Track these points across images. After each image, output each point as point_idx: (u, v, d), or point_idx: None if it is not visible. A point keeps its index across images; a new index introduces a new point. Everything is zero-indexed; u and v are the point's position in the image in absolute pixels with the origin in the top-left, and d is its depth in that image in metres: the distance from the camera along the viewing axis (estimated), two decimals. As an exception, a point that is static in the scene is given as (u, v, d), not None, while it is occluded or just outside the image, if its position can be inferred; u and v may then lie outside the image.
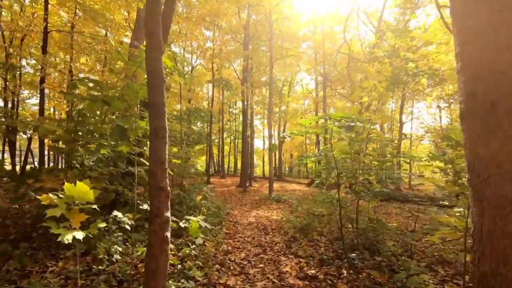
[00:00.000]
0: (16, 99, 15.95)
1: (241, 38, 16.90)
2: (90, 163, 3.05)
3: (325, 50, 15.83)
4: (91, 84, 2.96)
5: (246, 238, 4.85)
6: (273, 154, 15.09)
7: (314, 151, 24.63)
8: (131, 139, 2.51)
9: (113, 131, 2.82)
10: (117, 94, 3.17)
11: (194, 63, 22.91)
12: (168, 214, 1.83)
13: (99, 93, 3.29)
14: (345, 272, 3.37)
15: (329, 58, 16.76)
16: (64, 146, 3.11)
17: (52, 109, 20.42)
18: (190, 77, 20.79)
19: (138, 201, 2.20)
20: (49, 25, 13.22)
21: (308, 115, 23.96)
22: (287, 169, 34.05)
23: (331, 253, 4.02)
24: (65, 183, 1.43)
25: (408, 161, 4.49)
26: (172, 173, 3.20)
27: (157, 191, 1.79)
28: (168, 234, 1.81)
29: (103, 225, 1.71)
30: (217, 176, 23.53)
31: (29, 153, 16.49)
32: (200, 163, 27.98)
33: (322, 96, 18.21)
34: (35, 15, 13.91)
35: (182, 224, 2.43)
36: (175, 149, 6.62)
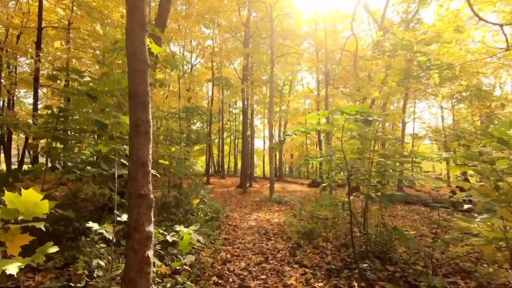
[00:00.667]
0: (12, 97, 15.66)
1: (241, 36, 16.60)
2: (69, 164, 2.73)
3: (327, 48, 15.51)
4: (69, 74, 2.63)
5: (246, 244, 4.52)
6: (274, 154, 14.75)
7: (315, 151, 24.32)
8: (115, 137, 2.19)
9: (99, 128, 2.50)
10: (106, 88, 2.84)
11: (193, 62, 22.62)
12: (151, 228, 1.50)
13: (86, 87, 2.97)
14: (356, 284, 3.04)
15: (331, 56, 16.43)
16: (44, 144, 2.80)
17: (49, 108, 20.09)
18: (190, 76, 20.50)
19: (117, 212, 1.87)
20: (45, 22, 12.91)
21: (309, 114, 23.59)
22: (287, 169, 33.74)
23: (339, 262, 3.69)
24: (6, 192, 1.10)
25: (418, 161, 4.16)
26: (159, 176, 2.85)
27: (137, 200, 1.45)
28: (150, 252, 1.48)
29: (53, 249, 1.37)
30: (217, 177, 23.23)
31: (28, 153, 16.16)
32: (200, 163, 27.73)
33: (323, 95, 17.89)
34: (31, 12, 13.64)
35: (170, 238, 2.09)
36: (173, 149, 6.30)
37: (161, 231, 2.09)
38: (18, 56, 14.65)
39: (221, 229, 5.42)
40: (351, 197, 6.34)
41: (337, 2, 29.91)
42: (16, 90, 16.47)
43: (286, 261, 3.76)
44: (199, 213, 5.01)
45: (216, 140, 27.20)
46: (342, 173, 3.59)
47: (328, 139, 14.91)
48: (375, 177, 3.36)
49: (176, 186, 5.50)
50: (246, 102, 16.29)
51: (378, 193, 4.01)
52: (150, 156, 1.56)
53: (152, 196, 1.54)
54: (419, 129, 23.03)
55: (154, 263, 1.87)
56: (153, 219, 1.53)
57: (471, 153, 2.06)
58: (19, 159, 15.22)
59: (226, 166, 30.16)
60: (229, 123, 29.33)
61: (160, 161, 2.77)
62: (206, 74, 21.94)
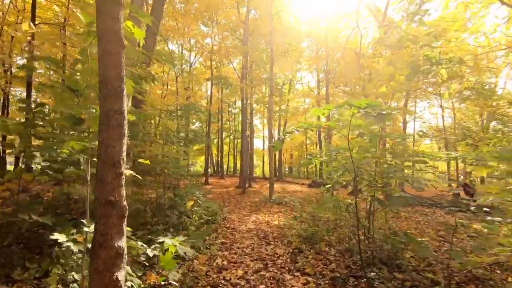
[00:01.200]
0: (7, 96, 15.40)
1: (240, 35, 16.34)
2: (43, 164, 2.45)
3: (328, 45, 15.23)
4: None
5: (244, 249, 4.25)
6: (273, 154, 14.48)
7: (316, 151, 24.10)
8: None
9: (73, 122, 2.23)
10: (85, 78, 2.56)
11: (192, 61, 22.38)
12: (122, 242, 1.23)
13: (69, 80, 2.70)
14: (363, 295, 2.79)
15: (332, 53, 16.17)
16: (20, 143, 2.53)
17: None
18: (189, 74, 20.23)
19: (83, 221, 1.60)
20: (40, 20, 12.65)
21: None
22: (286, 169, 33.53)
23: (343, 270, 3.43)
24: None
25: (426, 160, 3.89)
26: (140, 177, 2.53)
27: (105, 207, 1.19)
28: (121, 274, 1.20)
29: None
30: (216, 177, 22.99)
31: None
32: (200, 163, 27.50)
33: (324, 94, 17.62)
34: (26, 9, 13.41)
35: (150, 252, 1.80)
36: (171, 148, 6.03)
37: (141, 244, 1.80)
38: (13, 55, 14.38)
39: (218, 232, 5.15)
40: (351, 196, 6.07)
41: (337, 1, 29.57)
42: (12, 89, 16.20)
43: (286, 268, 3.50)
44: (194, 215, 4.75)
45: (215, 140, 26.98)
46: (347, 174, 3.32)
47: (328, 137, 14.67)
48: (383, 178, 3.11)
49: (170, 187, 5.24)
50: (245, 101, 16.03)
51: (384, 195, 3.76)
52: (124, 154, 1.29)
53: (125, 203, 1.27)
54: (420, 129, 22.81)
55: (132, 281, 1.60)
56: (126, 231, 1.26)
57: (505, 152, 1.80)
58: (15, 159, 14.94)
59: (225, 166, 29.93)
60: (228, 122, 29.10)
61: (140, 160, 2.49)
62: (205, 73, 21.68)
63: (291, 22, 16.50)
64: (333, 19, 15.99)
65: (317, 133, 20.61)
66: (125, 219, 1.27)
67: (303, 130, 2.87)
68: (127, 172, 1.80)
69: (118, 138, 1.29)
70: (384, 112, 1.88)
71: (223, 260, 3.70)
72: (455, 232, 2.63)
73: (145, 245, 1.79)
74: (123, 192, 1.27)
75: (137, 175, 2.11)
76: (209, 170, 22.21)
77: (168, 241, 1.80)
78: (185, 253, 1.71)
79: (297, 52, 16.38)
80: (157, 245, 1.84)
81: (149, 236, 3.95)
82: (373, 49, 13.39)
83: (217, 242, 4.51)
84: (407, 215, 8.14)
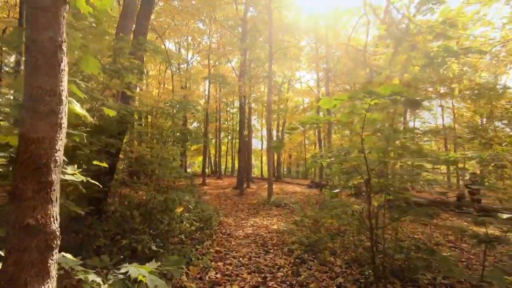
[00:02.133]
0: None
1: (239, 33, 15.96)
2: None
3: (328, 43, 14.86)
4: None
5: (240, 259, 3.85)
6: (272, 154, 14.07)
7: (315, 151, 23.79)
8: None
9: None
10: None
11: (189, 59, 21.98)
12: (44, 290, 0.82)
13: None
14: (378, 318, 2.40)
15: (333, 51, 15.80)
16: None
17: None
18: (186, 72, 19.81)
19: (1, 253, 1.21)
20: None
21: (308, 113, 22.99)
22: (285, 169, 33.19)
23: (352, 285, 3.04)
24: None
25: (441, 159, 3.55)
26: (81, 187, 2.04)
27: (19, 235, 0.78)
28: None
29: None
30: (213, 177, 22.61)
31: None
32: (198, 163, 27.07)
33: (324, 92, 17.26)
34: (17, 5, 12.98)
35: None
36: (165, 149, 5.63)
37: (92, 279, 1.35)
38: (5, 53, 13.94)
39: (213, 239, 4.75)
40: (358, 202, 5.69)
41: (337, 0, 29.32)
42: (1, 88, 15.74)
43: (288, 283, 3.10)
44: (185, 222, 4.35)
45: (213, 140, 26.62)
46: (356, 177, 2.94)
47: (328, 136, 14.30)
48: (400, 181, 2.73)
49: (161, 190, 4.83)
50: (243, 101, 15.64)
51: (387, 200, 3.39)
52: (59, 154, 0.88)
53: (55, 227, 0.85)
54: (420, 128, 22.49)
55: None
56: (55, 269, 0.85)
57: None
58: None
59: (223, 167, 29.55)
60: (226, 122, 28.72)
61: (94, 162, 2.06)
62: (203, 72, 21.29)
63: (290, 20, 16.13)
64: (333, 16, 15.64)
65: (317, 132, 20.26)
66: (54, 252, 0.84)
67: (304, 130, 2.50)
68: (81, 177, 1.39)
69: (49, 131, 0.87)
70: (418, 98, 1.50)
71: (216, 273, 3.31)
72: (487, 247, 2.24)
73: (98, 280, 1.37)
74: (54, 210, 0.84)
75: (94, 181, 1.70)
76: (207, 170, 21.81)
77: (134, 270, 1.37)
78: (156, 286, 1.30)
79: (296, 49, 16.01)
80: (120, 275, 1.42)
81: (135, 245, 3.56)
82: (373, 47, 13.08)
83: (210, 250, 4.11)
84: (412, 217, 7.80)
